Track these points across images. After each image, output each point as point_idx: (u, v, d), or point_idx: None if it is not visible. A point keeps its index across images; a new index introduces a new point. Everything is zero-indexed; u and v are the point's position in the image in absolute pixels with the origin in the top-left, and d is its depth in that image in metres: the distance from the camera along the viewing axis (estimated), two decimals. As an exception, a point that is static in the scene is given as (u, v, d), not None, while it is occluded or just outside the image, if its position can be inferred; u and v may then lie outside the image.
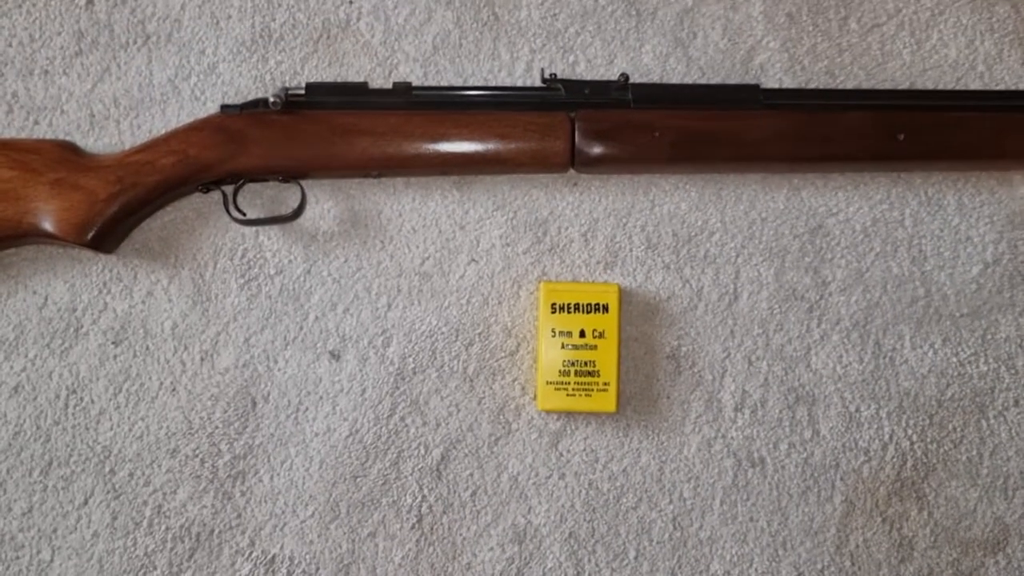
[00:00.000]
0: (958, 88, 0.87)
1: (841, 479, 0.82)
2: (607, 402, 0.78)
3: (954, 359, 0.84)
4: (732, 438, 0.82)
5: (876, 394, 0.83)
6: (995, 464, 0.84)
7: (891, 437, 0.83)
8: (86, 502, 0.79)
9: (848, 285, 0.84)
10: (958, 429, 0.84)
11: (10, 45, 0.82)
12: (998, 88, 0.87)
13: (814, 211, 0.84)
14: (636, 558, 0.80)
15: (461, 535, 0.80)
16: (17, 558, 0.78)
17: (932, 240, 0.85)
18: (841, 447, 0.83)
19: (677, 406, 0.82)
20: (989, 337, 0.84)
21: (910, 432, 0.83)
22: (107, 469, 0.79)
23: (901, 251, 0.85)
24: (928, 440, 0.83)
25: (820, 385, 0.83)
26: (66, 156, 0.77)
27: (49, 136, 0.81)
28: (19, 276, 0.80)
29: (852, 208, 0.85)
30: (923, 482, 0.83)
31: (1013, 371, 0.84)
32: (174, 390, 0.80)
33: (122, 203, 0.76)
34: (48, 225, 0.75)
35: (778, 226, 0.84)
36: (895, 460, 0.83)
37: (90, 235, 0.75)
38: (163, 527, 0.79)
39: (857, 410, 0.83)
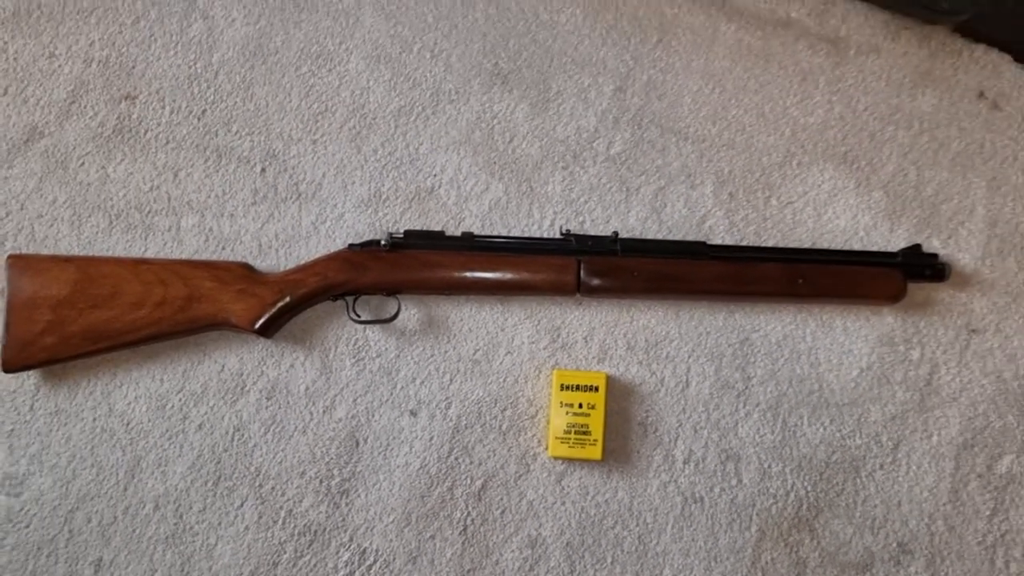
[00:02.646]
0: (845, 248, 1.23)
1: (757, 515, 1.17)
2: (596, 452, 1.14)
3: (838, 434, 1.20)
4: (681, 482, 1.18)
5: (783, 456, 1.19)
6: (865, 509, 1.18)
7: (792, 487, 1.19)
8: (242, 505, 1.15)
9: (765, 380, 1.20)
10: (840, 483, 1.19)
11: (209, 196, 1.21)
12: (872, 249, 1.23)
13: (743, 328, 1.21)
14: (611, 563, 1.16)
15: (493, 540, 1.16)
16: (193, 541, 1.14)
17: (824, 351, 1.21)
18: (757, 492, 1.18)
19: (644, 458, 1.18)
20: (863, 420, 1.20)
21: (806, 484, 1.18)
22: (257, 483, 1.15)
23: (803, 358, 1.21)
24: (819, 490, 1.18)
25: (744, 448, 1.19)
26: (246, 273, 1.14)
27: (233, 259, 1.18)
28: (207, 350, 1.18)
29: (769, 327, 1.22)
30: (814, 520, 1.18)
31: (879, 444, 1.20)
32: (304, 432, 1.17)
33: (281, 307, 1.12)
34: (233, 319, 1.12)
35: (718, 337, 1.21)
36: (795, 503, 1.18)
37: (258, 326, 1.12)
38: (292, 525, 1.15)
39: (769, 467, 1.19)
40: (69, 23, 1.25)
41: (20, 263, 1.12)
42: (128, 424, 1.16)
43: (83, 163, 1.21)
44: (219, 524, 1.15)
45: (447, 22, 1.28)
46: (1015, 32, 1.27)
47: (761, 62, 1.29)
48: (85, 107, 1.23)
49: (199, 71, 1.25)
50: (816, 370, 1.21)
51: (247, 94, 1.24)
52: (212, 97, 1.24)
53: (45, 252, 1.18)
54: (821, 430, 1.20)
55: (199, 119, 1.24)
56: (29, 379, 1.16)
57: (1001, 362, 1.22)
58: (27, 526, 1.14)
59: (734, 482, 1.18)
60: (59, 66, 1.24)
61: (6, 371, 1.10)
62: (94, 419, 1.16)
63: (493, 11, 1.29)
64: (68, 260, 1.13)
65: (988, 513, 1.19)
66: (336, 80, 1.26)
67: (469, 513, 1.16)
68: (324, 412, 1.17)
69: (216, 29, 1.26)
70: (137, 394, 1.16)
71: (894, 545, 1.18)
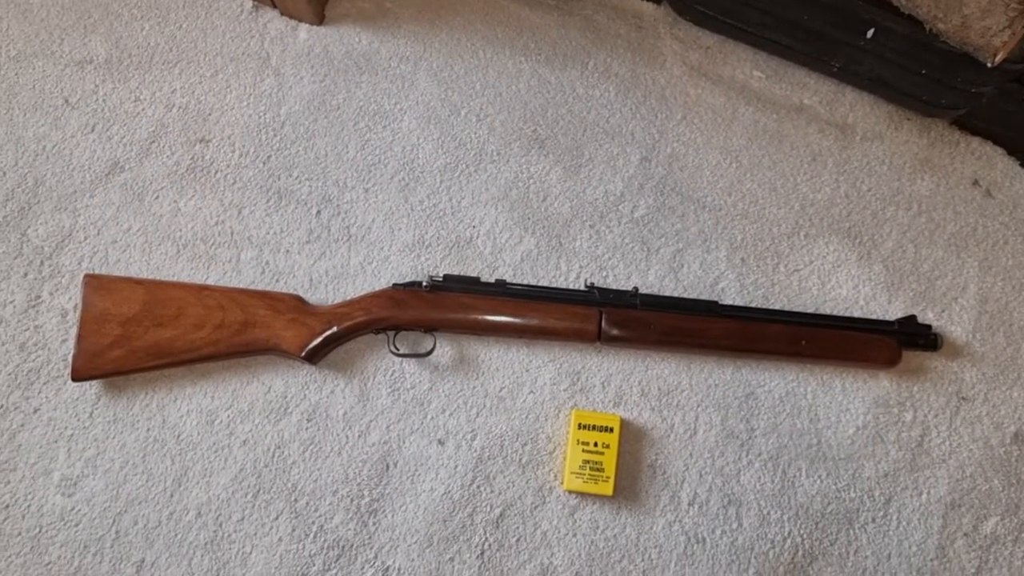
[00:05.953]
0: (845, 315, 1.34)
1: (755, 558, 1.25)
2: (607, 489, 1.23)
3: (833, 487, 1.28)
4: (685, 523, 1.27)
5: (781, 504, 1.28)
6: (857, 560, 1.26)
7: (789, 534, 1.27)
8: (277, 518, 1.24)
9: (767, 432, 1.30)
10: (834, 533, 1.27)
11: (268, 233, 1.34)
12: (871, 317, 1.34)
13: (748, 382, 1.31)
14: (617, 594, 1.25)
15: (507, 566, 1.24)
16: (230, 548, 1.22)
17: (824, 408, 1.31)
18: (756, 536, 1.26)
19: (652, 498, 1.27)
20: (857, 475, 1.29)
21: (802, 532, 1.27)
22: (293, 498, 1.25)
23: (803, 414, 1.31)
24: (814, 539, 1.27)
25: (745, 495, 1.28)
26: (297, 304, 1.26)
27: (286, 291, 1.30)
28: (255, 372, 1.28)
29: (773, 383, 1.32)
30: (809, 566, 1.26)
31: (872, 499, 1.29)
32: (340, 453, 1.26)
33: (328, 336, 1.23)
34: (283, 345, 1.23)
35: (725, 390, 1.31)
36: (791, 549, 1.26)
37: (306, 352, 1.23)
38: (322, 539, 1.23)
39: (768, 513, 1.27)
40: (155, 72, 1.40)
41: (95, 282, 1.24)
42: (179, 436, 1.26)
43: (157, 196, 1.34)
44: (255, 534, 1.23)
45: (493, 90, 1.42)
46: (1007, 128, 1.39)
47: (775, 142, 1.42)
48: (163, 147, 1.36)
49: (268, 121, 1.39)
50: (815, 425, 1.30)
51: (309, 144, 1.38)
52: (277, 144, 1.38)
53: (117, 274, 1.30)
54: (818, 482, 1.28)
55: (264, 163, 1.37)
56: (91, 388, 1.26)
57: (988, 429, 1.31)
58: (76, 525, 1.23)
59: (735, 526, 1.26)
60: (143, 109, 1.38)
61: (75, 379, 1.21)
62: (148, 429, 1.26)
63: (535, 83, 1.43)
64: (139, 282, 1.25)
65: (973, 571, 1.27)
66: (390, 136, 1.39)
67: (487, 539, 1.24)
68: (359, 436, 1.27)
69: (285, 85, 1.40)
70: (189, 408, 1.27)
71: (883, 595, 1.25)
